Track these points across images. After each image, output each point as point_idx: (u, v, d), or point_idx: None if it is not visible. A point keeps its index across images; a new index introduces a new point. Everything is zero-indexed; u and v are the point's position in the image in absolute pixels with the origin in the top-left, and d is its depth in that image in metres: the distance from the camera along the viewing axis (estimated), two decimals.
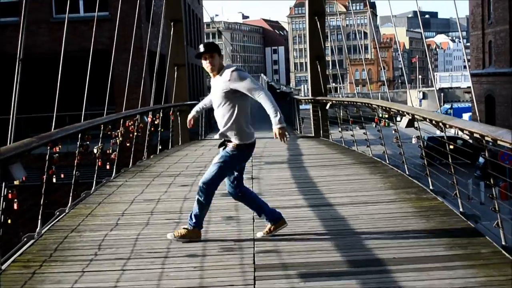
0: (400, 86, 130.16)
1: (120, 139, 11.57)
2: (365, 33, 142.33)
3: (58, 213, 7.82)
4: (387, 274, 4.97)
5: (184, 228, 6.19)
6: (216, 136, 6.18)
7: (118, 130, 11.59)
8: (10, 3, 23.00)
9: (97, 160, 9.89)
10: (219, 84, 5.97)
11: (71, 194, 8.34)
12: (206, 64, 6.00)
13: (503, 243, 5.51)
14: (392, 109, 10.49)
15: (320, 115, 18.88)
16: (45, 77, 18.87)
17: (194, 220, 6.16)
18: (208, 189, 6.17)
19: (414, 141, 26.16)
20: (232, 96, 5.92)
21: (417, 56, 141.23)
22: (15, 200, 6.11)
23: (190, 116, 6.74)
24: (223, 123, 6.02)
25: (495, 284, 4.61)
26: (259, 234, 6.23)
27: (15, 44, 8.34)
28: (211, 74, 6.08)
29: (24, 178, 5.81)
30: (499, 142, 5.25)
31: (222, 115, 6.02)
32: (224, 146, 6.14)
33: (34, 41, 21.66)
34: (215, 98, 6.04)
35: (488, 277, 4.74)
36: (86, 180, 9.78)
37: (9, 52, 9.42)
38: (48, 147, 7.31)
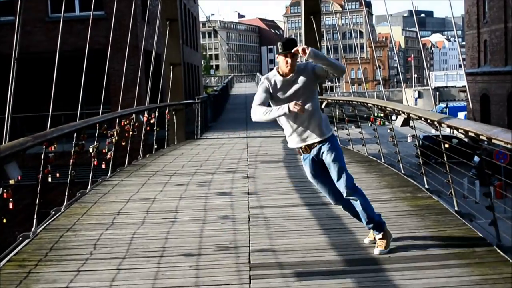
0: (396, 85, 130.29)
1: (116, 138, 11.56)
2: (361, 32, 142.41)
3: (53, 212, 7.81)
4: (382, 273, 4.98)
5: (380, 239, 5.56)
6: (311, 140, 5.49)
7: (114, 129, 11.57)
8: (5, 2, 22.94)
9: (93, 160, 9.88)
10: (300, 79, 5.40)
11: (66, 194, 8.33)
12: (284, 63, 5.39)
13: (498, 241, 5.52)
14: (387, 108, 10.50)
15: None
16: (40, 76, 18.84)
17: (379, 220, 5.65)
18: (354, 187, 5.56)
19: (409, 139, 26.22)
20: (314, 86, 5.49)
21: (412, 55, 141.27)
22: (10, 199, 6.10)
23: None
24: (315, 121, 5.45)
25: (489, 283, 4.62)
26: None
27: (11, 43, 8.33)
28: (282, 74, 5.45)
29: (19, 178, 5.80)
30: (494, 141, 5.26)
31: (311, 114, 5.42)
32: (311, 149, 5.52)
33: (30, 40, 21.63)
34: (297, 98, 5.33)
35: (483, 276, 4.76)
36: (81, 180, 9.78)
37: (5, 52, 9.41)
38: (44, 147, 7.30)
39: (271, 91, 5.45)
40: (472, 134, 5.79)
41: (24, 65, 11.47)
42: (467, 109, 48.29)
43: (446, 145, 7.56)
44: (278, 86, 5.45)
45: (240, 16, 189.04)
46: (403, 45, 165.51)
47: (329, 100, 17.80)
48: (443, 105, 69.61)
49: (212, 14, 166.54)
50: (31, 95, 21.78)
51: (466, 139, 6.26)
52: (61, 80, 11.09)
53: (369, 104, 12.26)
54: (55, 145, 7.50)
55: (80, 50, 12.34)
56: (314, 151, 5.49)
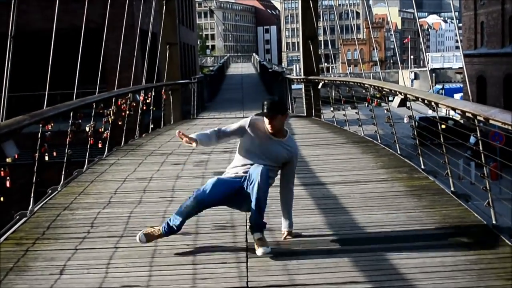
0: (392, 66, 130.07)
1: (112, 117, 11.55)
2: (358, 13, 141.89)
3: (50, 191, 7.82)
4: (378, 252, 5.01)
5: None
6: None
7: (110, 109, 11.56)
8: None
9: (89, 139, 9.87)
10: (279, 148, 5.34)
11: (63, 172, 8.33)
12: (267, 124, 5.36)
13: (494, 222, 5.55)
14: (384, 89, 10.50)
15: (312, 94, 18.87)
16: (36, 55, 18.73)
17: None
18: None
19: (406, 120, 26.20)
20: (279, 167, 5.41)
21: (409, 37, 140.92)
22: (8, 177, 6.11)
23: (189, 135, 5.28)
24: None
25: (484, 262, 4.65)
26: None
27: (6, 22, 8.28)
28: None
29: (16, 156, 5.81)
30: (491, 122, 5.28)
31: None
32: None
33: (26, 19, 21.47)
34: (261, 155, 5.32)
35: (478, 255, 4.79)
36: (78, 159, 9.78)
37: (0, 30, 9.35)
38: (40, 125, 7.29)
39: (249, 131, 5.40)
40: (469, 115, 5.81)
41: (20, 44, 11.41)
42: (464, 90, 48.27)
43: (443, 126, 7.57)
44: (260, 132, 5.40)
45: None
46: (399, 26, 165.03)
47: (326, 81, 17.79)
48: (439, 86, 69.51)
49: None
50: (27, 74, 21.69)
51: (462, 121, 6.28)
52: (57, 59, 11.03)
53: (366, 85, 12.26)
54: (52, 124, 7.49)
55: (76, 29, 12.27)
56: None
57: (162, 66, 20.16)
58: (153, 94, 15.64)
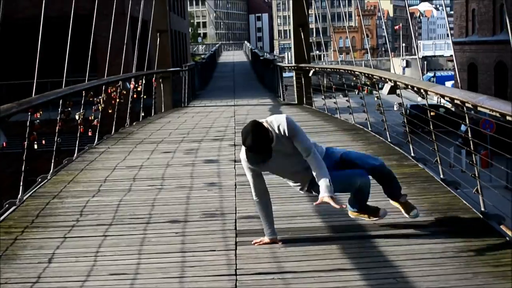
0: (384, 54, 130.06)
1: (102, 105, 11.51)
2: (349, 1, 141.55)
3: (40, 179, 7.79)
4: (367, 240, 5.02)
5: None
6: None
7: (100, 97, 11.51)
8: None
9: (79, 127, 9.84)
10: (279, 149, 4.90)
11: (53, 161, 8.30)
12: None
13: (482, 209, 5.57)
14: (374, 76, 10.50)
15: (303, 82, 18.86)
16: (25, 43, 18.63)
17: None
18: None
19: (395, 108, 26.21)
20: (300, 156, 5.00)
21: (400, 24, 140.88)
22: None
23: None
24: None
25: (473, 249, 4.67)
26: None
27: None
28: None
29: (4, 144, 5.77)
30: (479, 109, 5.28)
31: None
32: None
33: (14, 6, 21.35)
34: (284, 173, 5.17)
35: (467, 243, 4.80)
36: (68, 148, 9.74)
37: None
38: (29, 113, 7.25)
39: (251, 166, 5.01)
40: (458, 102, 5.81)
41: (9, 31, 11.33)
42: (454, 78, 48.36)
43: (433, 113, 7.58)
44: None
45: None
46: (391, 14, 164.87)
47: (317, 69, 17.78)
48: (430, 74, 69.65)
49: None
50: (16, 62, 21.58)
51: (453, 108, 6.28)
52: (47, 47, 10.96)
53: (356, 72, 12.25)
54: (41, 112, 7.46)
55: (66, 16, 12.17)
56: None
57: (153, 54, 20.09)
58: (143, 82, 15.59)
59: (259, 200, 5.01)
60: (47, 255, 4.96)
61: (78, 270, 4.62)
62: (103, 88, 11.84)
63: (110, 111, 12.26)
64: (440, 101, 32.77)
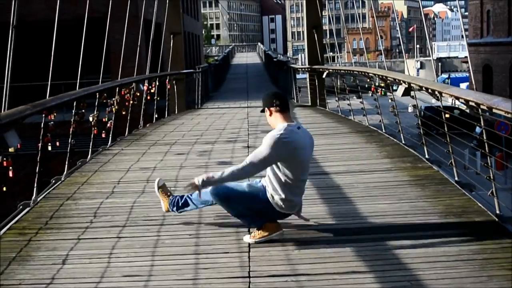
0: (398, 55, 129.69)
1: (116, 107, 11.53)
2: (363, 2, 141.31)
3: (53, 181, 7.82)
4: (381, 242, 4.99)
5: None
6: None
7: (114, 99, 11.54)
8: None
9: (93, 129, 9.86)
10: None
11: (66, 162, 8.32)
12: None
13: (497, 212, 5.52)
14: (388, 78, 10.46)
15: (316, 84, 18.82)
16: (40, 45, 18.72)
17: None
18: None
19: (410, 109, 26.11)
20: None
21: (414, 26, 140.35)
22: (10, 167, 6.09)
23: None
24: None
25: (488, 252, 4.63)
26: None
27: (9, 12, 8.24)
28: None
29: (19, 146, 5.79)
30: (494, 111, 5.24)
31: None
32: None
33: (29, 9, 21.46)
34: None
35: (482, 246, 4.77)
36: (81, 149, 9.78)
37: (3, 20, 9.31)
38: (43, 115, 7.28)
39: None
40: (473, 104, 5.77)
41: (23, 34, 11.38)
42: (469, 80, 48.13)
43: (447, 115, 7.53)
44: None
45: None
46: (405, 15, 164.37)
47: (331, 70, 17.74)
48: (445, 76, 69.35)
49: None
50: (30, 64, 21.68)
51: (467, 110, 6.23)
52: (61, 49, 10.99)
53: (370, 74, 12.20)
54: (55, 114, 7.48)
55: (80, 19, 12.22)
56: None
57: (166, 56, 20.12)
58: (157, 83, 15.61)
59: (241, 175, 5.06)
60: (61, 257, 4.97)
61: (92, 271, 4.63)
62: (117, 90, 11.87)
63: (123, 112, 12.29)
64: (454, 102, 32.64)
